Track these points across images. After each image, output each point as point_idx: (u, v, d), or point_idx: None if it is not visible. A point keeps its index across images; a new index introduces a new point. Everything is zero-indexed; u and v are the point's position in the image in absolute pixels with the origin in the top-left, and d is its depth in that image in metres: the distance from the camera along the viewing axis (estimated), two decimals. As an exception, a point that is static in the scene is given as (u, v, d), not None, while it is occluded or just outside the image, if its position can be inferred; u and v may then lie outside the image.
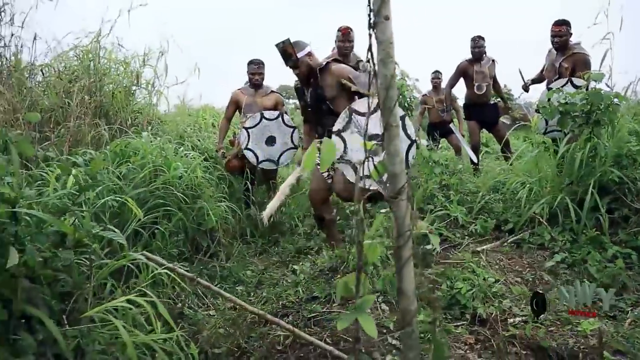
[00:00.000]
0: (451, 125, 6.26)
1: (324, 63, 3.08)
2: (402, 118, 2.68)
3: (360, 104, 2.74)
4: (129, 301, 1.75)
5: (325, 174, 3.13)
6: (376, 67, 0.85)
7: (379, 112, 2.77)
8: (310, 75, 3.08)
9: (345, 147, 2.67)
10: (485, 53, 5.41)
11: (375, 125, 2.59)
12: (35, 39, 3.53)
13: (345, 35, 4.15)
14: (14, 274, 1.60)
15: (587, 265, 2.74)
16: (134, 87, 4.21)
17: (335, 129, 2.72)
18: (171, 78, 6.70)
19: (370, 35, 0.82)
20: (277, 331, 2.24)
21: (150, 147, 2.87)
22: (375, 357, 2.02)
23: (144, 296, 1.72)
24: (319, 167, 3.07)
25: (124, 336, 1.53)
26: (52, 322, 1.51)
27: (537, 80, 4.93)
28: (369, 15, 0.81)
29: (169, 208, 2.68)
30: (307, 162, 0.89)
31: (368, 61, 0.84)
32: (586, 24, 3.61)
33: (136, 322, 1.94)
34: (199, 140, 4.35)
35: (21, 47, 3.93)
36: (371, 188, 2.78)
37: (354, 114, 2.69)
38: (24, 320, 1.56)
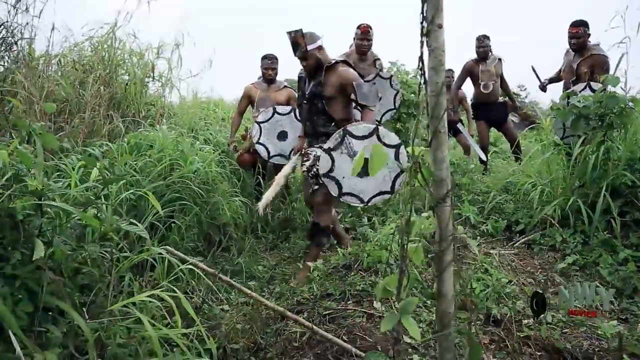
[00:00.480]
0: (459, 125, 6.26)
1: (333, 61, 3.06)
2: (398, 146, 2.71)
3: (355, 128, 2.76)
4: (151, 295, 1.77)
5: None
6: (427, 75, 0.86)
7: (371, 138, 2.78)
8: (317, 70, 3.06)
9: (332, 165, 2.73)
10: (491, 52, 5.40)
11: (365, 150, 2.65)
12: (53, 28, 3.52)
13: (364, 34, 4.18)
14: (39, 266, 1.62)
15: (599, 267, 2.76)
16: (147, 79, 4.21)
17: (326, 146, 2.75)
18: (184, 71, 6.67)
19: (422, 42, 0.83)
20: (292, 327, 2.26)
21: (167, 141, 2.87)
22: (391, 355, 2.04)
23: (165, 291, 1.73)
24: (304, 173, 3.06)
25: (149, 331, 1.55)
26: (78, 314, 1.52)
27: (554, 79, 4.90)
28: (422, 23, 0.82)
29: (185, 202, 2.69)
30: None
31: (421, 69, 0.85)
32: (605, 27, 3.59)
33: (155, 316, 1.97)
34: (210, 134, 4.36)
35: (35, 35, 3.92)
36: (352, 204, 2.90)
37: (347, 135, 2.73)
38: (50, 313, 1.58)
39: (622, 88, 3.18)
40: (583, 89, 3.68)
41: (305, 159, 3.11)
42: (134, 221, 1.89)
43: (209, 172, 2.97)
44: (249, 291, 1.99)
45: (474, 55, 5.50)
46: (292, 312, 2.38)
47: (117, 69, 4.00)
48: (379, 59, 4.45)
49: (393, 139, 2.73)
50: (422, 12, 0.81)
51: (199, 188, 2.84)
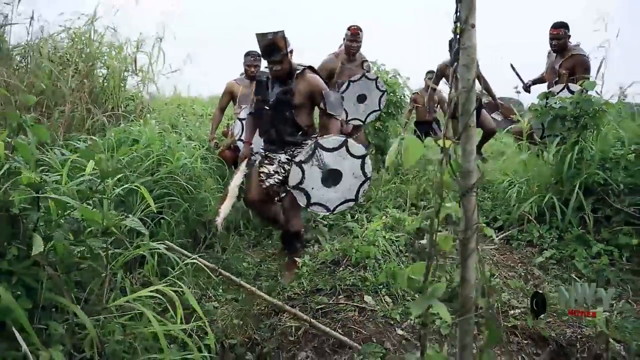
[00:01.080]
0: (434, 125, 6.41)
1: (301, 68, 2.95)
2: (364, 157, 2.81)
3: (326, 140, 2.78)
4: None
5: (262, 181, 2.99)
6: (459, 72, 0.90)
7: (341, 150, 2.84)
8: (287, 75, 2.91)
9: (302, 177, 2.76)
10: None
11: (334, 162, 2.77)
12: (32, 17, 3.39)
13: (354, 35, 4.22)
14: (35, 262, 1.57)
15: (575, 261, 2.90)
16: (126, 73, 4.11)
17: (297, 159, 2.75)
18: (165, 67, 6.52)
19: (456, 41, 0.87)
20: (287, 322, 2.28)
21: (152, 137, 2.83)
22: (386, 347, 2.09)
23: (168, 286, 1.71)
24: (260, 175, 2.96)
25: (155, 326, 1.54)
26: (81, 310, 1.49)
27: (538, 80, 5.05)
28: (456, 22, 0.86)
29: (173, 198, 2.66)
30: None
31: (453, 66, 0.89)
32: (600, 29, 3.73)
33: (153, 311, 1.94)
34: (191, 130, 4.30)
35: (5, 24, 3.77)
36: (320, 213, 2.97)
37: (318, 148, 2.77)
38: (52, 310, 1.54)
39: (596, 92, 3.34)
40: (561, 90, 3.84)
41: (267, 162, 3.00)
42: (130, 216, 1.86)
43: (195, 167, 2.94)
44: (249, 286, 1.99)
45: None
46: (281, 308, 2.40)
47: (95, 62, 3.89)
48: (367, 60, 4.52)
49: (360, 150, 2.82)
50: (456, 13, 0.85)
51: (187, 184, 2.81)
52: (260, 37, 2.79)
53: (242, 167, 3.01)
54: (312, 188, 2.79)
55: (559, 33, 4.39)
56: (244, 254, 3.44)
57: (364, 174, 2.83)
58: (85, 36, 3.77)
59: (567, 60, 4.40)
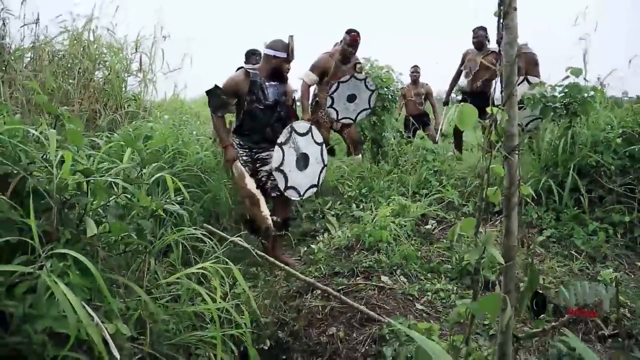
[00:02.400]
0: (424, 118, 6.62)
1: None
2: (322, 144, 3.16)
3: (299, 125, 3.07)
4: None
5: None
6: (503, 48, 1.03)
7: (308, 135, 3.06)
8: (280, 77, 3.13)
9: (282, 158, 2.95)
10: (488, 42, 5.65)
11: (305, 145, 3.07)
12: (38, 19, 3.42)
13: (353, 41, 4.28)
14: (87, 244, 1.65)
15: (573, 239, 3.08)
16: (126, 74, 4.15)
17: (279, 141, 2.94)
18: (163, 66, 6.51)
19: (500, 22, 1.00)
20: (312, 302, 2.38)
21: (167, 132, 2.90)
22: (410, 319, 2.21)
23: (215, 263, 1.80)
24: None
25: (210, 305, 1.63)
26: (140, 289, 1.57)
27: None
28: (500, 6, 1.00)
29: (194, 190, 2.74)
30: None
31: (498, 43, 1.01)
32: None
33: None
34: (193, 128, 4.36)
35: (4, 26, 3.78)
36: (292, 198, 3.07)
37: (293, 132, 3.01)
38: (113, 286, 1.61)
39: (584, 79, 3.54)
40: (521, 82, 4.04)
41: (259, 164, 3.13)
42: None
43: (209, 161, 3.02)
44: (284, 266, 2.09)
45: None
46: (308, 290, 2.51)
47: (96, 63, 3.93)
48: (360, 62, 4.57)
49: (320, 137, 3.17)
50: (501, -4, 0.99)
51: (203, 176, 2.89)
52: (291, 39, 3.03)
53: (241, 168, 2.98)
54: (289, 170, 2.99)
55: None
56: (255, 245, 3.53)
57: (323, 160, 3.14)
58: (85, 37, 3.80)
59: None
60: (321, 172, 3.15)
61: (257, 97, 3.04)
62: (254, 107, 3.03)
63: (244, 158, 3.08)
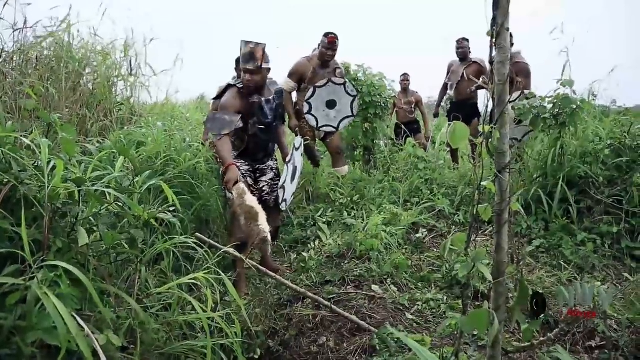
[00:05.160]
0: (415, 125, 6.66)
1: (279, 87, 3.23)
2: (298, 148, 3.26)
3: (296, 140, 3.27)
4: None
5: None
6: (495, 68, 1.05)
7: (300, 148, 3.31)
8: (259, 90, 2.96)
9: (287, 174, 3.03)
10: (469, 53, 5.73)
11: (298, 159, 3.25)
12: (25, 22, 3.38)
13: (331, 44, 4.17)
14: (78, 254, 1.64)
15: (562, 249, 3.12)
16: (114, 79, 4.12)
17: (287, 159, 3.06)
18: (150, 69, 6.48)
19: (492, 42, 1.02)
20: (302, 312, 2.38)
21: (161, 138, 2.89)
22: (400, 329, 2.22)
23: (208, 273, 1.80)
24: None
25: (201, 314, 1.63)
26: (131, 298, 1.56)
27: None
28: (492, 27, 1.02)
29: (185, 197, 2.73)
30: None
31: (490, 62, 1.03)
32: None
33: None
34: (185, 134, 4.34)
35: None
36: (283, 209, 3.14)
37: (293, 147, 3.17)
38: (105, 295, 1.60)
39: (573, 91, 3.59)
40: (517, 98, 4.07)
41: (259, 174, 3.15)
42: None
43: (201, 168, 3.02)
44: (274, 275, 2.09)
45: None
46: (299, 298, 2.51)
47: (83, 68, 3.90)
48: (340, 67, 4.44)
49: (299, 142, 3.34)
50: (494, 18, 1.01)
51: (195, 183, 2.89)
52: (246, 42, 2.85)
53: (242, 187, 2.70)
54: (287, 184, 3.07)
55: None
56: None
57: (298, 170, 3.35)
58: (68, 40, 3.76)
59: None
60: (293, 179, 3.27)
61: (259, 119, 2.98)
62: (257, 129, 2.99)
63: (245, 168, 3.02)
